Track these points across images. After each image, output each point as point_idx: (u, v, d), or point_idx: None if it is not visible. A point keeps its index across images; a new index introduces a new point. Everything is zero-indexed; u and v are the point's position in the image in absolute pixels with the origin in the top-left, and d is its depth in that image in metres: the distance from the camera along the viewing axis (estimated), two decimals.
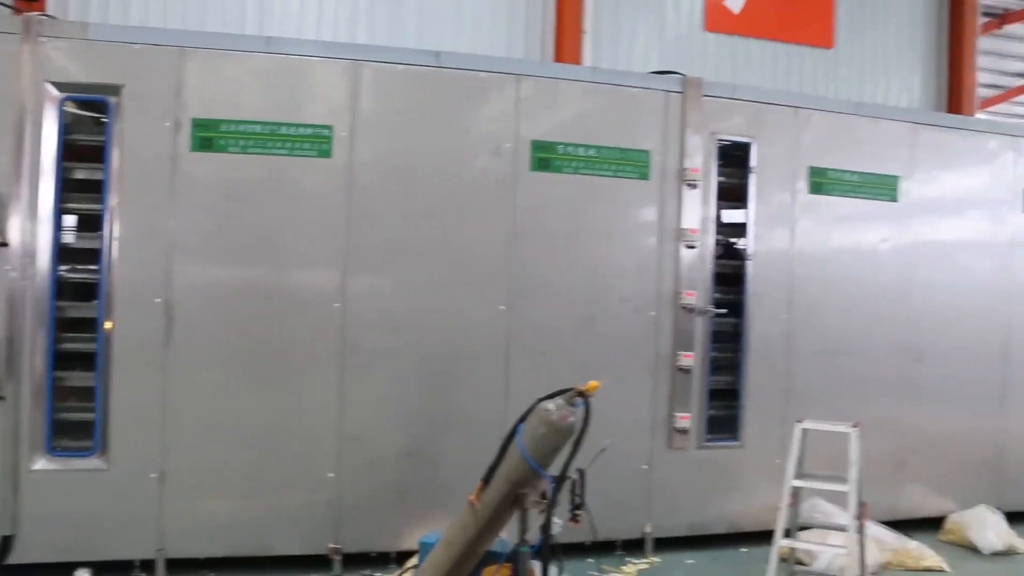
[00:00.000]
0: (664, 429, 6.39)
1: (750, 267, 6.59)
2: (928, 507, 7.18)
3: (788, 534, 5.44)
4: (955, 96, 11.65)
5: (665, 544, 6.48)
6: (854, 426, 5.09)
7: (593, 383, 4.73)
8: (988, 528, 6.71)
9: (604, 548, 6.35)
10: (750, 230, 6.58)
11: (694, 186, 6.38)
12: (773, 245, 6.65)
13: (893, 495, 7.04)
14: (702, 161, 6.43)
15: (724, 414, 6.64)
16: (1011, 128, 7.73)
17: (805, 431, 5.25)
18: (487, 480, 4.83)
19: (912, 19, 11.74)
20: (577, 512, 4.63)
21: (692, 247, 6.39)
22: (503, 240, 6.08)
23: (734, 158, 6.63)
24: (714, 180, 6.50)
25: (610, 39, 10.56)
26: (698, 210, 6.41)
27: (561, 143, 6.18)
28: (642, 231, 6.35)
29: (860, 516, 5.19)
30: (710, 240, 6.49)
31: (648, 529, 6.39)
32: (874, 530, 6.40)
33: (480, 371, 6.06)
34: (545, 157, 6.15)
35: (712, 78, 10.69)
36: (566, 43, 10.15)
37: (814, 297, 6.76)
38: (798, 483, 5.17)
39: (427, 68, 6.01)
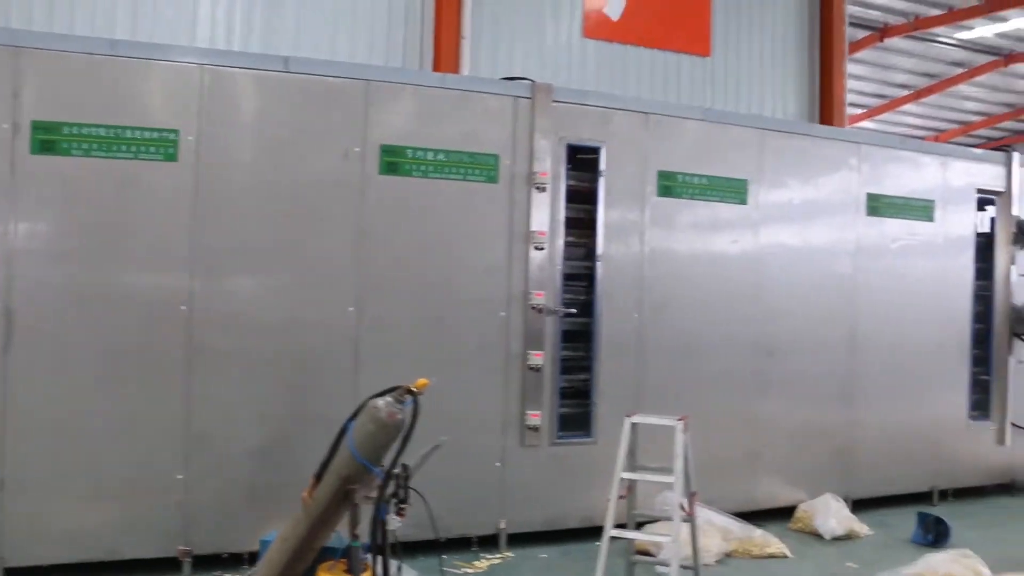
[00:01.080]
0: (516, 427, 6.60)
1: (600, 268, 6.83)
2: (783, 497, 7.55)
3: (635, 526, 5.66)
4: (826, 106, 12.15)
5: (521, 539, 6.67)
6: (680, 420, 5.32)
7: (422, 380, 4.88)
8: (831, 515, 7.08)
9: (461, 544, 6.55)
10: (599, 232, 6.83)
11: (543, 189, 6.60)
12: (623, 246, 6.92)
13: (749, 486, 7.41)
14: (551, 165, 6.64)
15: (578, 411, 6.87)
16: (854, 135, 8.18)
17: (634, 425, 5.46)
18: (319, 477, 4.97)
19: (785, 30, 12.22)
20: (402, 507, 4.76)
21: (541, 249, 6.60)
22: (352, 242, 6.20)
23: (585, 162, 6.86)
24: (563, 183, 6.73)
25: (489, 46, 10.76)
26: (547, 213, 6.62)
27: (410, 147, 6.34)
28: (492, 233, 6.54)
29: (689, 506, 5.42)
30: (559, 242, 6.71)
31: (502, 525, 6.58)
32: (721, 520, 6.74)
33: (330, 371, 6.17)
34: (394, 161, 6.30)
35: (592, 86, 11.23)
36: (444, 51, 10.30)
37: (665, 297, 7.05)
38: (628, 475, 5.40)
39: (275, 73, 6.10)
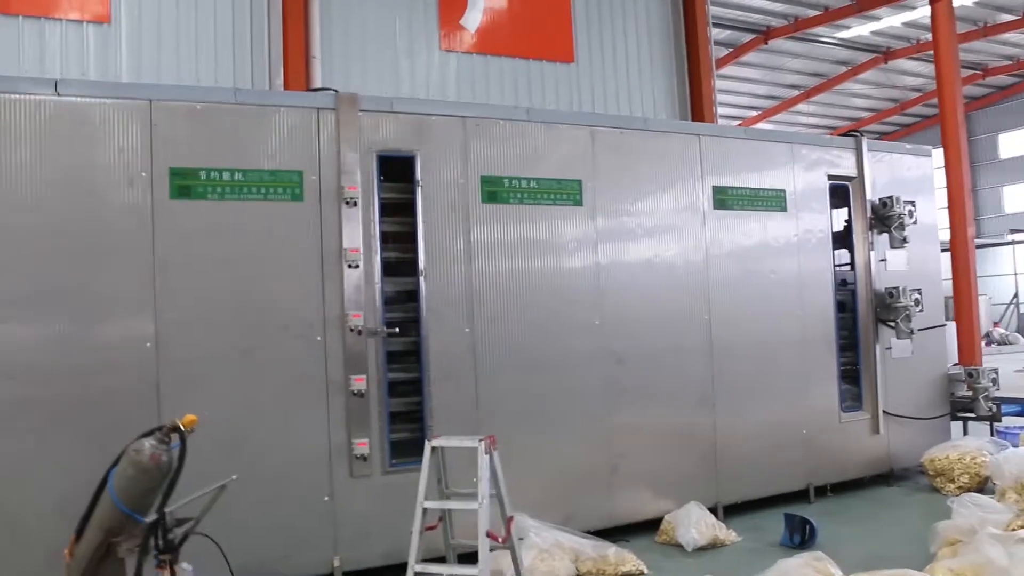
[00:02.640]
0: (344, 457, 6.10)
1: (423, 283, 6.40)
2: (649, 509, 7.14)
3: (455, 558, 5.19)
4: (696, 106, 11.96)
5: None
6: (482, 440, 4.87)
7: (190, 417, 4.40)
8: (691, 525, 6.68)
9: None
10: (420, 245, 6.40)
11: (353, 204, 6.17)
12: (448, 259, 6.50)
13: (608, 501, 6.99)
14: (362, 178, 6.22)
15: (412, 436, 6.40)
16: (694, 127, 7.92)
17: (436, 450, 5.01)
18: (79, 532, 4.45)
19: (650, 35, 12.03)
20: (162, 558, 4.24)
21: (355, 267, 6.15)
22: (146, 274, 5.68)
23: (401, 172, 6.45)
24: (376, 196, 6.30)
25: (341, 65, 10.33)
26: (359, 228, 6.18)
27: (204, 168, 5.86)
28: (301, 255, 6.08)
29: (505, 532, 4.98)
30: (377, 259, 6.27)
31: (336, 563, 6.06)
32: (571, 540, 6.29)
33: (132, 414, 5.57)
34: (186, 184, 5.82)
35: (453, 98, 10.86)
36: (292, 72, 9.84)
37: (499, 309, 6.64)
38: (429, 504, 4.93)
39: (46, 98, 5.58)
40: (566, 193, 6.95)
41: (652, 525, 7.08)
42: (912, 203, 8.49)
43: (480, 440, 4.87)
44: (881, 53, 21.19)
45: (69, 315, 5.52)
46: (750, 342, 7.68)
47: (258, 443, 5.89)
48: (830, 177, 8.33)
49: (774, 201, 7.94)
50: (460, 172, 6.58)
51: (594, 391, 6.95)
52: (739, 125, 22.77)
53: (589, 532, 6.74)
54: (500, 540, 4.87)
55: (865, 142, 8.52)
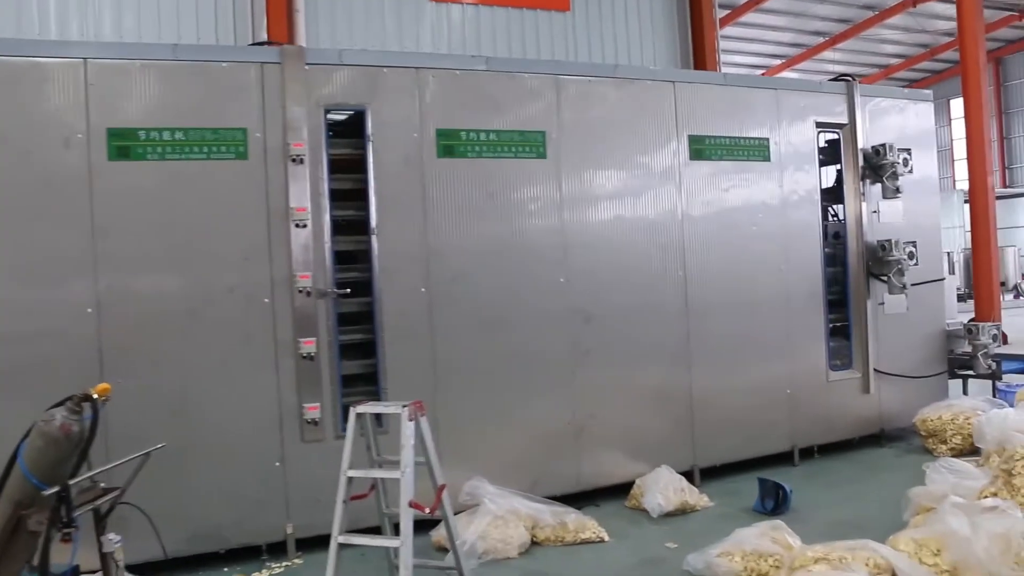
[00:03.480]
0: (296, 422, 5.93)
1: (376, 242, 6.14)
2: (620, 472, 6.88)
3: (392, 528, 4.99)
4: (699, 53, 11.43)
5: (315, 543, 6.00)
6: (407, 406, 4.63)
7: (103, 385, 4.24)
8: (658, 491, 6.41)
9: (251, 553, 5.93)
10: (372, 203, 6.14)
11: (300, 161, 5.91)
12: (403, 216, 6.23)
13: (575, 464, 6.75)
14: (309, 134, 5.95)
15: (369, 400, 6.18)
16: (667, 74, 7.49)
17: (363, 416, 4.79)
18: None
19: None
20: (67, 531, 4.10)
21: (303, 226, 5.92)
22: (84, 237, 5.51)
23: (353, 128, 6.18)
24: (324, 153, 6.04)
25: (327, 18, 10.03)
26: (307, 186, 5.93)
27: (143, 129, 5.64)
28: (247, 214, 5.86)
29: (435, 501, 4.77)
30: (326, 217, 6.03)
31: (289, 529, 5.94)
32: (529, 506, 6.08)
33: (73, 380, 5.42)
34: (124, 145, 5.61)
35: (445, 50, 10.52)
36: (274, 24, 9.57)
37: (457, 268, 6.38)
38: (352, 473, 4.72)
39: None
40: (529, 146, 6.62)
41: (625, 489, 6.83)
42: (908, 151, 8.01)
43: (404, 406, 4.62)
44: None
45: (6, 280, 5.38)
46: (729, 299, 7.32)
47: (206, 408, 5.74)
48: (819, 125, 7.87)
49: (756, 151, 7.51)
50: (415, 126, 6.28)
51: (560, 351, 6.67)
52: (763, 75, 22.01)
53: (556, 497, 6.53)
54: (428, 511, 4.64)
55: (857, 87, 8.01)
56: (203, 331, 5.74)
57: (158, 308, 5.66)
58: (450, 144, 6.38)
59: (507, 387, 6.51)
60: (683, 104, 7.19)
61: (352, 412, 4.79)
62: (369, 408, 4.83)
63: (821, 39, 22.64)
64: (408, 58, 6.70)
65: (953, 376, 8.66)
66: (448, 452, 6.25)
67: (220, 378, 5.78)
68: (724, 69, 20.59)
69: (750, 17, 20.60)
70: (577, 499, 6.70)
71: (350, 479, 4.73)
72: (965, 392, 8.52)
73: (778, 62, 23.07)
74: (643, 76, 7.14)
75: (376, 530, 5.03)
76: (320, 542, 6.03)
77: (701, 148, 7.25)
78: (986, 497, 5.25)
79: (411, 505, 4.51)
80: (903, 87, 29.57)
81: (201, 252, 5.77)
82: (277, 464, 5.94)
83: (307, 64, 6.02)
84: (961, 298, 18.77)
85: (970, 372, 8.44)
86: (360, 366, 6.22)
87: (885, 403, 8.08)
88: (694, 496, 6.59)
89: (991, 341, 8.20)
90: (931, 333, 8.41)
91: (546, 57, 10.75)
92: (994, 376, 8.30)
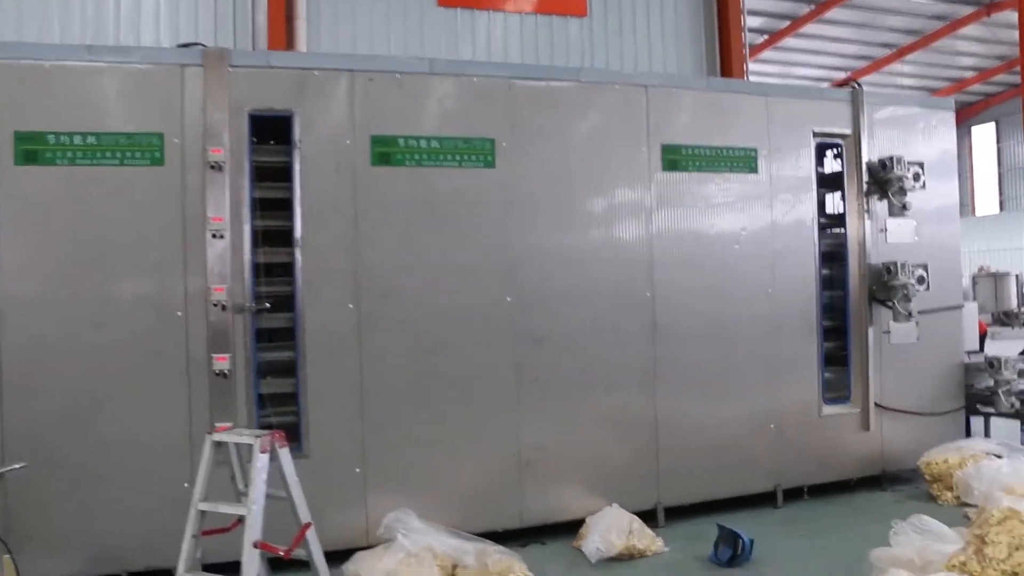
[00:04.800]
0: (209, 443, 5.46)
1: (300, 255, 5.66)
2: (572, 509, 6.16)
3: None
4: (725, 59, 10.62)
5: (226, 568, 5.51)
6: (267, 436, 4.11)
7: None
8: (599, 533, 5.70)
9: None
10: (297, 213, 5.65)
11: (219, 169, 5.48)
12: (330, 226, 5.73)
13: (518, 500, 6.10)
14: (231, 140, 5.52)
15: (287, 422, 5.70)
16: (640, 78, 6.79)
17: (218, 444, 4.29)
18: None
19: None
20: None
21: (220, 237, 5.48)
22: None
23: (281, 134, 5.72)
24: (247, 160, 5.59)
25: (330, 23, 9.68)
26: (226, 195, 5.49)
27: (52, 132, 5.31)
28: (161, 224, 5.45)
29: (295, 540, 4.23)
30: (246, 228, 5.57)
31: (198, 554, 5.43)
32: (451, 545, 5.44)
33: None
34: (32, 149, 5.29)
35: (453, 56, 10.01)
36: (274, 31, 9.28)
37: (390, 285, 5.83)
38: (204, 506, 4.21)
39: None
40: (476, 154, 6.02)
41: (579, 526, 6.13)
42: (920, 165, 7.06)
43: (258, 436, 4.10)
44: (983, 5, 18.59)
45: None
46: (704, 323, 6.55)
47: (111, 426, 5.35)
48: (818, 134, 7.01)
49: (742, 162, 6.72)
50: (347, 132, 5.77)
51: (504, 376, 6.04)
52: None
53: (498, 534, 5.91)
54: (283, 552, 4.10)
55: (864, 94, 7.12)
56: (111, 345, 5.35)
57: (62, 319, 5.30)
58: (386, 152, 5.85)
59: (443, 414, 5.91)
60: (657, 111, 6.47)
61: (207, 440, 4.30)
62: (225, 436, 4.32)
63: (889, 51, 21.21)
64: (341, 60, 6.19)
65: (975, 413, 7.61)
66: (375, 482, 5.79)
67: (127, 394, 5.38)
68: (785, 82, 19.55)
69: (811, 28, 19.45)
70: (523, 536, 6.07)
71: (203, 512, 4.23)
72: (987, 432, 7.46)
73: (842, 75, 21.75)
74: (610, 80, 6.47)
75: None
76: (232, 568, 5.58)
77: (676, 158, 6.51)
78: (953, 568, 4.38)
79: (257, 546, 3.98)
80: (977, 103, 27.66)
81: (111, 262, 5.38)
82: (186, 485, 5.47)
83: (232, 67, 5.59)
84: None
85: (992, 410, 7.39)
86: (281, 385, 5.74)
87: (889, 442, 7.12)
88: (646, 539, 5.84)
89: (1015, 376, 7.13)
90: (946, 366, 7.39)
91: (560, 62, 10.13)
92: (1019, 416, 7.23)
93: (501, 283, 6.04)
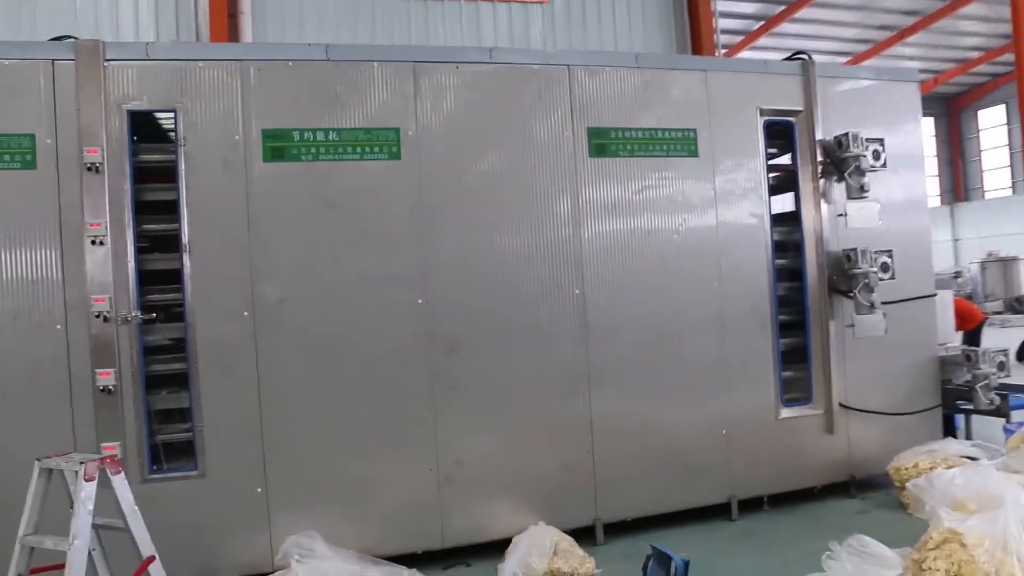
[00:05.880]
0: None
1: (189, 260, 5.22)
2: (497, 528, 5.64)
3: None
4: (696, 38, 10.06)
5: None
6: (95, 462, 3.65)
7: None
8: (518, 555, 5.16)
9: None
10: (183, 215, 5.22)
11: (96, 170, 5.05)
12: (220, 229, 5.29)
13: (437, 518, 5.60)
14: (109, 139, 5.10)
15: (183, 438, 5.28)
16: (560, 56, 6.22)
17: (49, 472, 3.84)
18: None
19: None
20: None
21: (99, 243, 5.05)
22: None
23: (163, 130, 5.30)
24: (128, 160, 5.16)
25: (276, 17, 9.29)
26: (104, 198, 5.07)
27: None
28: (34, 231, 5.04)
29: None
30: (129, 233, 5.15)
31: None
32: (352, 569, 4.96)
33: None
34: None
35: (404, 43, 9.58)
36: (216, 25, 8.91)
37: (290, 288, 5.38)
38: (32, 540, 3.77)
39: None
40: (379, 145, 5.55)
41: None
42: (880, 141, 6.45)
43: (82, 462, 3.64)
44: None
45: None
46: (642, 321, 6.00)
47: None
48: (765, 112, 6.43)
49: (679, 144, 6.16)
50: (236, 126, 5.32)
51: (416, 385, 5.55)
52: None
53: (418, 556, 5.48)
54: None
55: (816, 67, 6.52)
56: None
57: None
58: (279, 146, 5.39)
59: (352, 427, 5.44)
60: (581, 92, 5.95)
61: (36, 466, 3.85)
62: (54, 463, 3.87)
63: (889, 33, 20.38)
64: (227, 50, 5.77)
65: (956, 411, 6.98)
66: (279, 502, 5.33)
67: (3, 414, 4.96)
68: None
69: (808, 12, 18.71)
70: (447, 557, 5.58)
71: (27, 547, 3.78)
72: (968, 432, 6.81)
73: (842, 60, 20.96)
74: (527, 60, 5.92)
75: None
76: None
77: (604, 143, 5.97)
78: None
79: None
80: (984, 84, 26.53)
81: None
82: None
83: (107, 60, 5.16)
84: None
85: (972, 407, 6.73)
86: (174, 400, 5.30)
87: (857, 445, 6.51)
88: (574, 561, 5.27)
89: (995, 370, 6.48)
90: (919, 360, 6.76)
91: (520, 45, 9.66)
92: (998, 413, 6.57)
93: (412, 285, 5.55)
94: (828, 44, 20.89)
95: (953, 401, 6.83)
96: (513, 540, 5.45)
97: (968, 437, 6.92)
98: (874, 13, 19.30)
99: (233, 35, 9.06)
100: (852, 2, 18.45)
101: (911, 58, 22.35)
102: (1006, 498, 3.80)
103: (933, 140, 31.27)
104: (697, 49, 10.15)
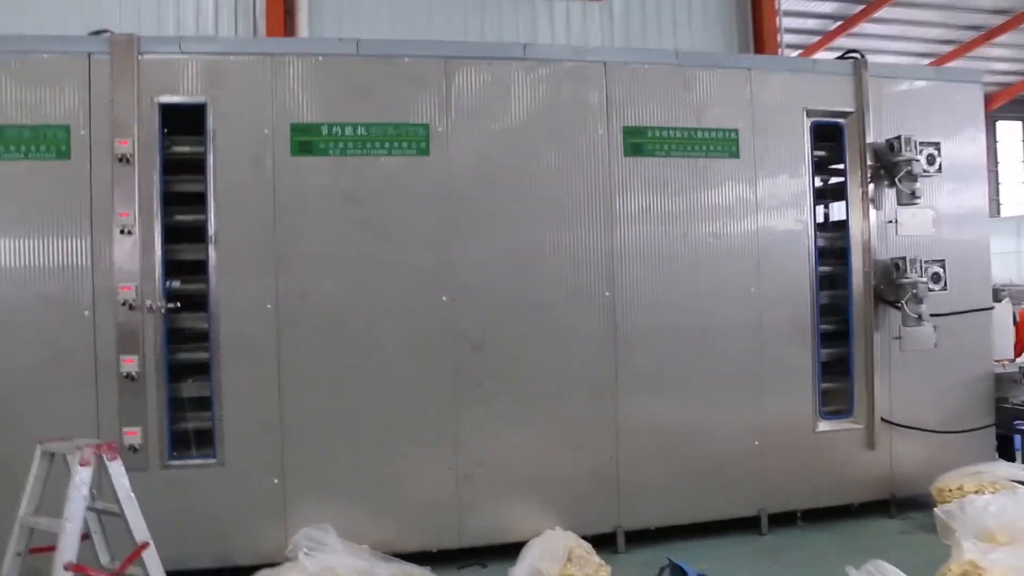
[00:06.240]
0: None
1: (214, 252, 5.26)
2: (516, 529, 5.46)
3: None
4: (759, 38, 9.76)
5: None
6: (91, 448, 3.68)
7: None
8: (527, 560, 5.03)
9: None
10: (211, 207, 5.26)
11: (127, 161, 5.14)
12: (246, 221, 5.32)
13: (456, 517, 5.53)
14: (141, 131, 5.18)
15: (202, 427, 5.33)
16: (597, 52, 6.03)
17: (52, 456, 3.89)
18: None
19: None
20: None
21: (128, 233, 5.14)
22: None
23: (194, 123, 5.34)
24: (158, 152, 5.23)
25: (333, 10, 9.39)
26: (134, 189, 5.15)
27: None
28: (67, 220, 5.14)
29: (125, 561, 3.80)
30: (157, 223, 5.21)
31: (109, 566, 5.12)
32: (359, 567, 4.91)
33: None
34: None
35: (475, 38, 9.54)
36: (272, 19, 9.04)
37: (313, 281, 5.39)
38: (30, 521, 3.82)
39: None
40: (408, 141, 5.49)
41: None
42: (935, 145, 6.10)
43: (79, 447, 3.68)
44: None
45: None
46: (674, 326, 5.81)
47: (14, 430, 5.04)
48: (812, 113, 6.14)
49: (720, 145, 5.94)
50: (266, 120, 5.34)
51: (439, 382, 5.48)
52: None
53: (433, 554, 5.42)
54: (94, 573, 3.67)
55: (868, 66, 6.20)
56: (11, 345, 5.07)
57: None
58: (307, 140, 5.38)
59: (371, 423, 5.41)
60: (617, 89, 5.78)
61: (38, 449, 3.92)
62: (56, 447, 3.92)
63: (976, 33, 19.41)
64: (260, 44, 5.81)
65: (1015, 432, 6.56)
66: (295, 493, 5.33)
67: (30, 398, 5.08)
68: None
69: (889, 12, 17.95)
70: (463, 556, 5.50)
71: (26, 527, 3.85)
72: (1014, 454, 6.40)
73: (926, 62, 20.07)
74: (561, 57, 5.79)
75: None
76: None
77: (640, 142, 5.79)
78: None
79: (68, 568, 3.56)
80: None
81: (12, 259, 5.10)
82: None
83: (142, 54, 5.24)
84: None
85: None
86: (196, 389, 5.35)
87: (899, 462, 6.17)
88: (589, 568, 5.11)
89: None
90: (972, 376, 6.36)
91: (577, 43, 9.55)
92: None
93: (437, 281, 5.48)
94: (910, 45, 20.00)
95: (1011, 421, 6.42)
96: (527, 544, 5.35)
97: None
98: (961, 12, 18.41)
99: (290, 31, 9.17)
100: (937, 1, 17.62)
101: (999, 59, 21.28)
102: None
103: (1022, 145, 29.73)
104: (760, 49, 9.84)
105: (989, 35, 19.74)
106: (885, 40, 19.33)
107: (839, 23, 18.92)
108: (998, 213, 28.19)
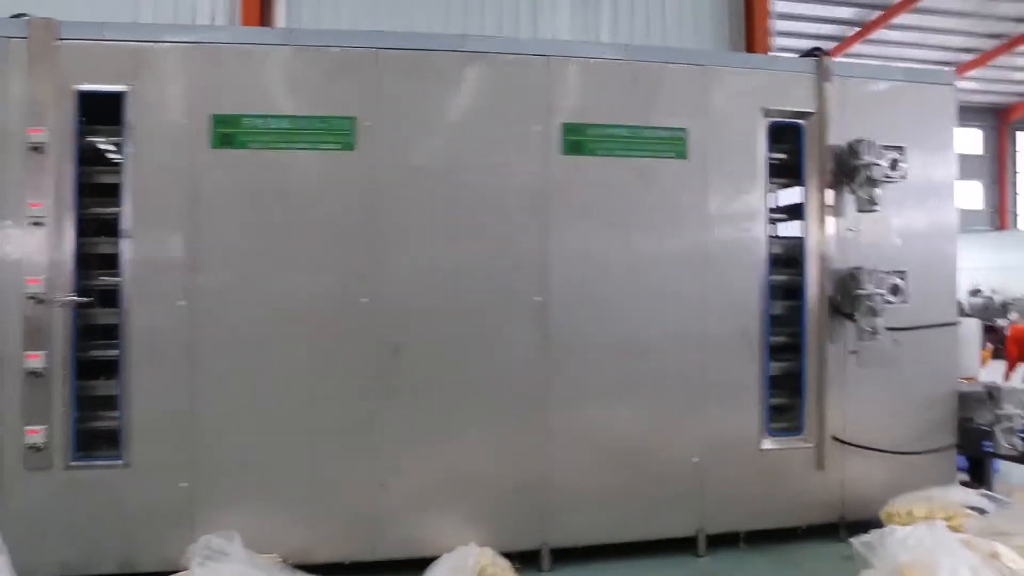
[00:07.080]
0: (18, 446, 4.93)
1: (127, 245, 5.05)
2: (434, 543, 5.09)
3: None
4: (751, 35, 9.38)
5: None
6: None
7: None
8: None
9: None
10: (127, 199, 5.06)
11: (40, 151, 4.94)
12: (162, 215, 5.10)
13: (368, 528, 5.24)
14: (57, 119, 4.98)
15: (108, 427, 5.12)
16: (538, 46, 5.66)
17: None
18: None
19: None
20: None
21: (39, 224, 4.94)
22: None
23: (115, 112, 5.13)
24: (73, 142, 5.03)
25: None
26: (47, 180, 4.95)
27: None
28: None
29: None
30: (70, 215, 5.02)
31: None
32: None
33: None
34: None
35: (459, 31, 9.28)
36: (251, 5, 8.85)
37: (229, 279, 5.15)
38: None
39: None
40: (332, 134, 5.23)
41: None
42: (899, 149, 5.70)
43: None
44: None
45: None
46: (613, 335, 5.47)
47: None
48: (770, 112, 5.77)
49: (667, 145, 5.59)
50: (185, 111, 5.11)
51: (353, 386, 5.21)
52: None
53: (345, 566, 5.15)
54: None
55: (832, 63, 5.82)
56: None
57: None
58: (228, 132, 5.15)
59: (285, 426, 5.16)
60: (559, 85, 5.47)
61: None
62: None
63: (998, 42, 18.67)
64: (186, 32, 5.56)
65: (984, 454, 6.11)
66: (203, 499, 5.11)
67: None
68: None
69: (908, 18, 17.34)
70: (379, 570, 5.22)
71: None
72: (981, 477, 5.95)
73: (945, 70, 19.39)
74: (501, 49, 5.48)
75: None
76: None
77: (580, 140, 5.47)
78: None
79: None
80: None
81: None
82: None
83: (60, 39, 5.05)
84: None
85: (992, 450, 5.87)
86: (104, 387, 5.14)
87: (852, 484, 5.78)
88: None
89: (1018, 411, 5.62)
90: (935, 394, 5.93)
91: (564, 37, 9.29)
92: (1021, 459, 5.70)
93: (356, 281, 5.21)
94: (930, 53, 19.35)
95: (979, 442, 5.98)
96: (435, 560, 5.04)
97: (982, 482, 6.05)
98: (983, 20, 17.72)
99: (266, 21, 8.97)
100: (959, 8, 16.95)
101: (1022, 69, 20.49)
102: (939, 571, 3.13)
103: None
104: (750, 49, 9.45)
105: (1011, 43, 19.01)
106: (904, 47, 18.76)
107: (857, 29, 18.37)
108: (1015, 225, 27.25)
